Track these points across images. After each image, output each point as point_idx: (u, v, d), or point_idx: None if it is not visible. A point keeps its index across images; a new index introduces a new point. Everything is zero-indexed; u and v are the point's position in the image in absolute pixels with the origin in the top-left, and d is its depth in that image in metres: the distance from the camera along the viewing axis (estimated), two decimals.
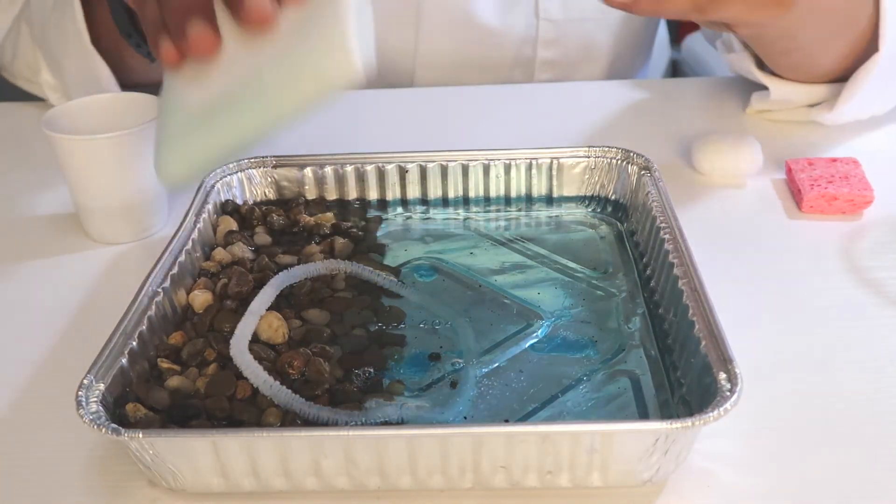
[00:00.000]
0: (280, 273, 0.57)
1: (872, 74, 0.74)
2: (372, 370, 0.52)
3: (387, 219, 0.69)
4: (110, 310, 0.54)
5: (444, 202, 0.70)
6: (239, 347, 0.50)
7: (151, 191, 0.69)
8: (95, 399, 0.46)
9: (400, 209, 0.70)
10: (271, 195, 0.70)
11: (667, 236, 0.58)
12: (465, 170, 0.69)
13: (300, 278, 0.58)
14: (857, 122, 0.83)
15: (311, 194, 0.70)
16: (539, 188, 0.69)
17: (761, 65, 0.81)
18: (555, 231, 0.67)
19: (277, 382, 0.48)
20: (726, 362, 0.46)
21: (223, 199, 0.67)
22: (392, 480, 0.46)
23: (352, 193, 0.70)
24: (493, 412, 0.50)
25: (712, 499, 0.46)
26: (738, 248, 0.66)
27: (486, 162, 0.69)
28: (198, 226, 0.62)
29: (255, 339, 0.53)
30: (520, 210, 0.70)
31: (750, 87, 0.84)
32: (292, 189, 0.70)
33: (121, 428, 0.44)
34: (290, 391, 0.48)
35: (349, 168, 0.69)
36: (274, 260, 0.61)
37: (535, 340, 0.56)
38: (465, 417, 0.50)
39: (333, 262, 0.59)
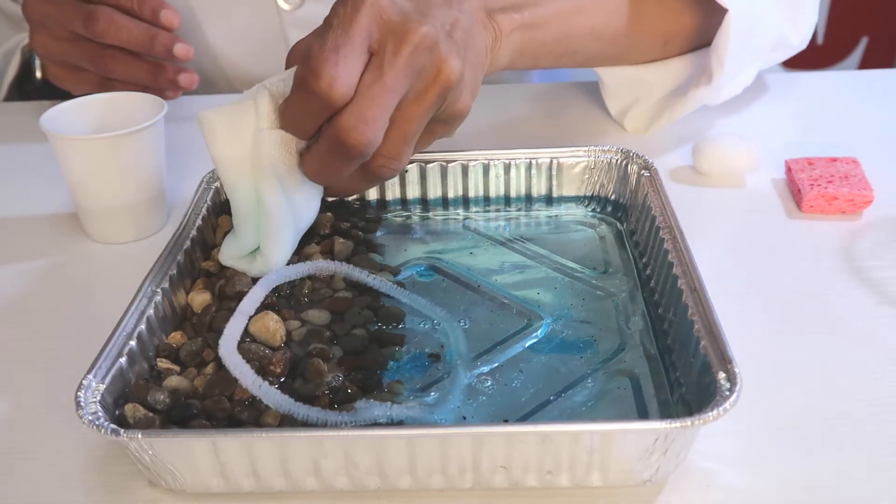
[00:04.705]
0: (270, 273, 0.57)
1: (731, 34, 0.71)
2: (362, 390, 0.52)
3: (386, 219, 0.69)
4: (110, 310, 0.54)
5: (444, 202, 0.70)
6: (227, 348, 0.50)
7: (151, 191, 0.69)
8: (95, 400, 0.46)
9: (399, 209, 0.70)
10: None
11: (666, 236, 0.58)
12: (464, 170, 0.69)
13: (289, 279, 0.57)
14: (857, 122, 0.83)
15: None
16: (539, 188, 0.69)
17: None
18: (554, 231, 0.67)
19: (266, 383, 0.48)
20: (725, 362, 0.46)
21: (223, 199, 0.67)
22: (392, 481, 0.46)
23: None
24: (493, 412, 0.50)
25: (712, 499, 0.46)
26: (737, 248, 0.66)
27: (486, 162, 0.68)
28: (197, 225, 0.62)
29: (253, 341, 0.52)
30: (519, 210, 0.70)
31: (750, 87, 0.83)
32: None
33: (120, 429, 0.44)
34: (278, 392, 0.48)
35: None
36: None
37: (535, 340, 0.56)
38: (465, 417, 0.50)
39: (323, 263, 0.58)
